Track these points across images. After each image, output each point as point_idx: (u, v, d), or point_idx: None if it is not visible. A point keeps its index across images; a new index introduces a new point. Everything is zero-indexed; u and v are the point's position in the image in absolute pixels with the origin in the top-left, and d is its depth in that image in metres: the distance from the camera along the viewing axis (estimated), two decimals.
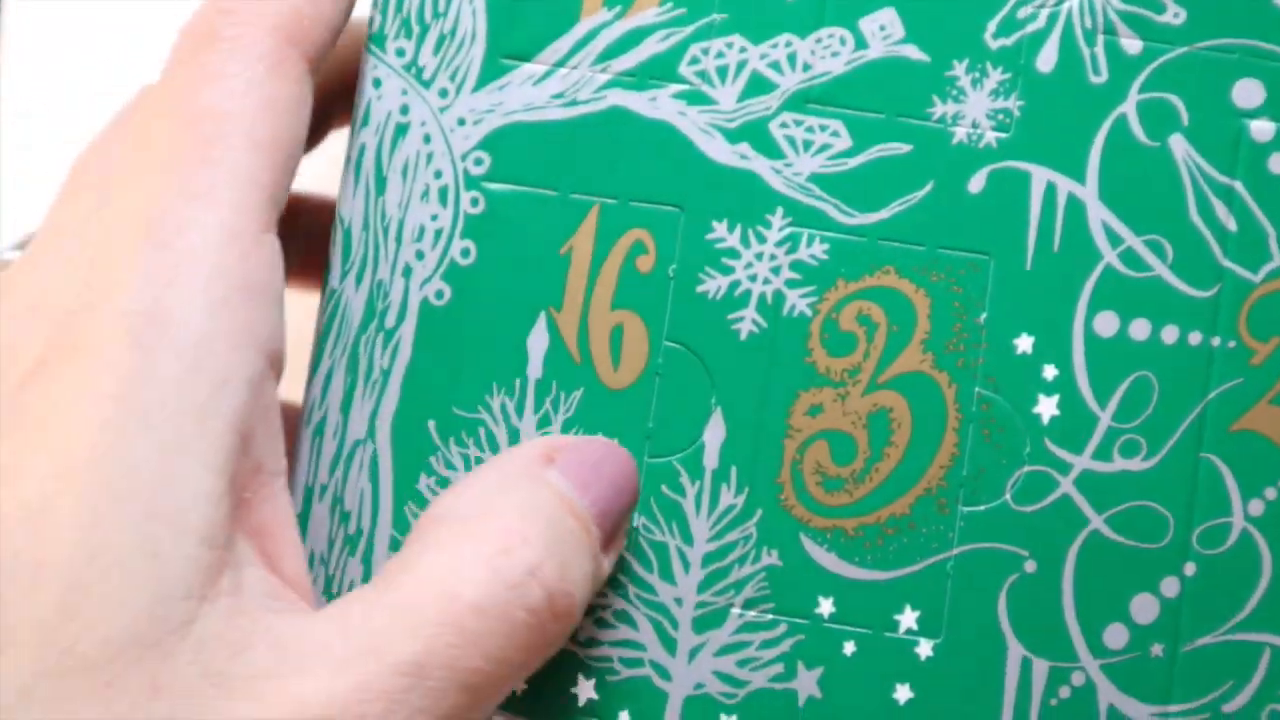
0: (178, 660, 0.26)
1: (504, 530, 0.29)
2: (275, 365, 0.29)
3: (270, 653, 0.27)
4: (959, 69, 0.33)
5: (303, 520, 0.33)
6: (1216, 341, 0.33)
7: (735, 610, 0.33)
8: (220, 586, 0.27)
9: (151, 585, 0.26)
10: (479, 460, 0.33)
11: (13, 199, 0.41)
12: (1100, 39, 0.33)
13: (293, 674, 0.27)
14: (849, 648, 0.32)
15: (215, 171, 0.28)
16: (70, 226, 0.29)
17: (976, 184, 0.33)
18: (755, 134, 0.33)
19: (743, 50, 0.33)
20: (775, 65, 0.33)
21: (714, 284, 0.33)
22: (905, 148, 0.33)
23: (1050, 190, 0.33)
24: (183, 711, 0.26)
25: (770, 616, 0.33)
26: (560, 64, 0.33)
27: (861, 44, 0.33)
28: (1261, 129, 0.33)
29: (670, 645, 0.33)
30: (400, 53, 0.33)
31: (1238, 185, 0.33)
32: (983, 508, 0.33)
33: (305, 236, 0.39)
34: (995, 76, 0.33)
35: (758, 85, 0.33)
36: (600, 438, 0.32)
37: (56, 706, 0.25)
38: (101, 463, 0.27)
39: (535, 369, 0.33)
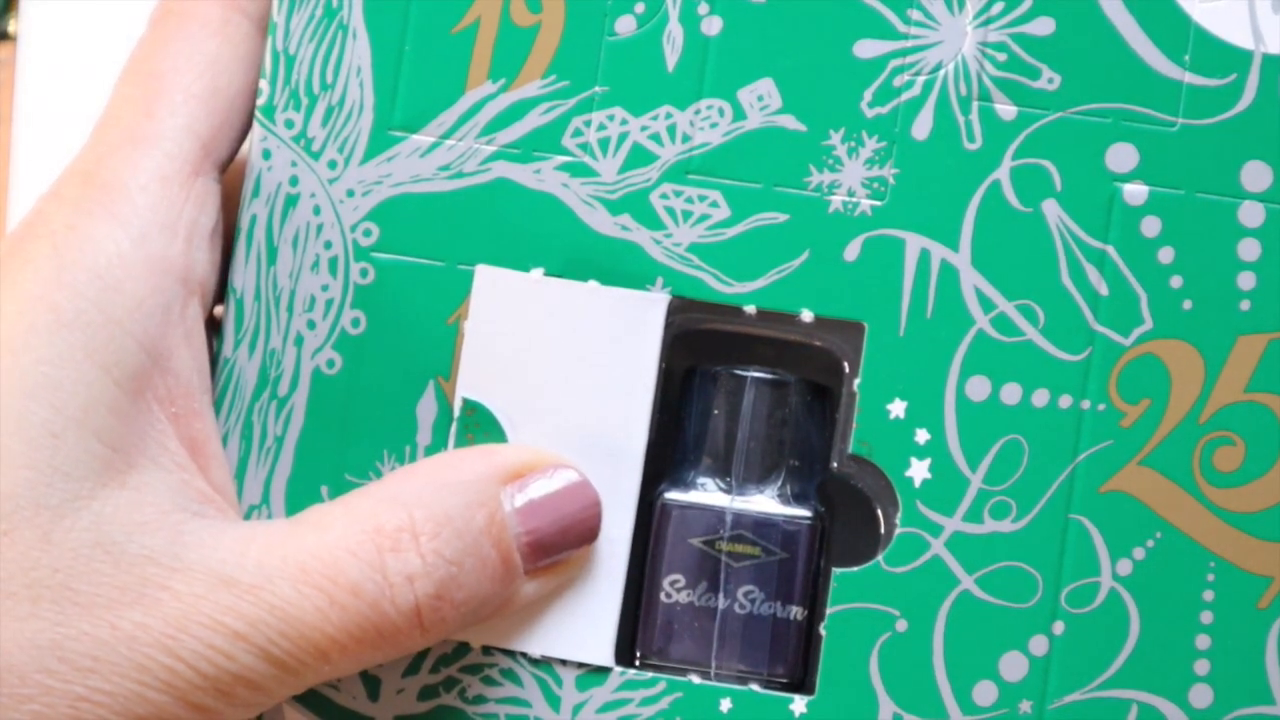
0: (73, 525, 0.30)
1: (409, 531, 0.31)
2: (201, 295, 0.33)
3: (169, 543, 0.30)
4: (835, 138, 0.34)
5: None
6: (1087, 404, 0.34)
7: (616, 668, 0.34)
8: (126, 481, 0.30)
9: (50, 458, 0.30)
10: None
11: (20, 200, 0.43)
12: (975, 106, 0.34)
13: (180, 570, 0.30)
14: (725, 704, 0.34)
15: (154, 123, 0.32)
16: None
17: (852, 252, 0.34)
18: (636, 205, 0.34)
19: (624, 122, 0.34)
20: (655, 137, 0.34)
21: None
22: (782, 217, 0.34)
23: (924, 257, 0.34)
24: (68, 565, 0.29)
25: (650, 674, 0.34)
26: (446, 136, 0.34)
27: (740, 115, 0.34)
28: (1134, 192, 0.34)
29: (554, 702, 0.34)
30: (289, 124, 0.34)
31: (1110, 249, 0.34)
32: (855, 568, 0.34)
33: None
34: (871, 145, 0.34)
35: (639, 157, 0.34)
36: (570, 471, 0.33)
37: None
38: (10, 349, 0.30)
39: (425, 436, 0.34)
